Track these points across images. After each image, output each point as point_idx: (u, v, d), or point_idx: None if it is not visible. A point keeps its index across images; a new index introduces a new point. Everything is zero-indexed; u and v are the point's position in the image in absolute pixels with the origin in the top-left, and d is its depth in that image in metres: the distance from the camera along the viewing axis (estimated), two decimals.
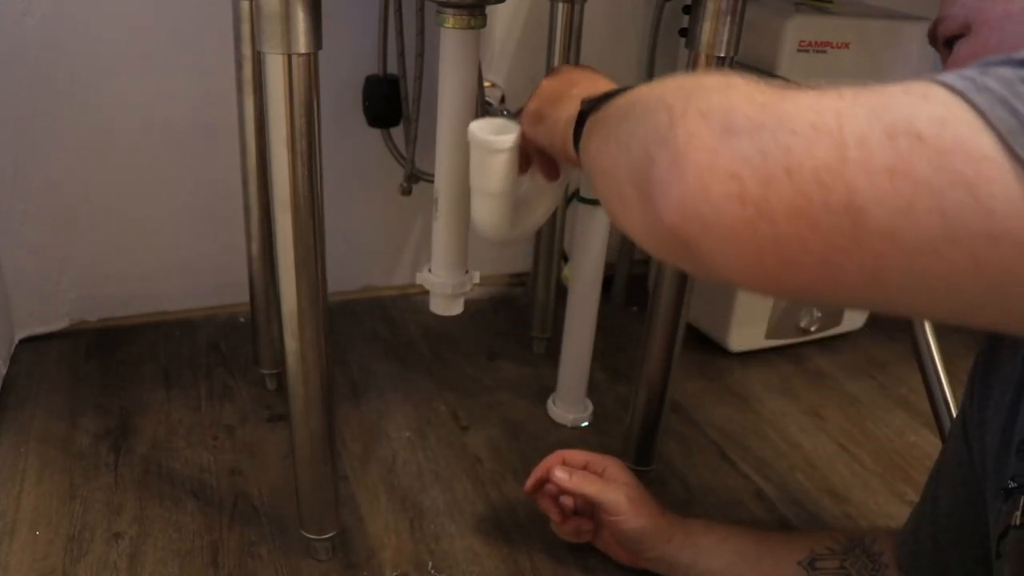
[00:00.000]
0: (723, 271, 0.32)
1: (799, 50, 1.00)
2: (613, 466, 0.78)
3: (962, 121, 0.28)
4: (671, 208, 0.32)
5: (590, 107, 0.48)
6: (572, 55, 1.00)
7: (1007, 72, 0.29)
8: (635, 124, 0.36)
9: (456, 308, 0.88)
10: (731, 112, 0.31)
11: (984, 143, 0.27)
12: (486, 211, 0.74)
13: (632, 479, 0.77)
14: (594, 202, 0.89)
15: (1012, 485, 0.50)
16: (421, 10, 1.03)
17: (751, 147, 0.30)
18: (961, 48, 0.47)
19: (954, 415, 0.80)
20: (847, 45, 1.02)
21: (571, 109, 0.52)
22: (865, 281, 0.30)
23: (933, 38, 0.51)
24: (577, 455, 0.79)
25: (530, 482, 0.79)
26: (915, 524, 0.67)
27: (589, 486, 0.75)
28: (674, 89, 0.36)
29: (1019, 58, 0.29)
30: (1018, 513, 0.49)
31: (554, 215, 1.09)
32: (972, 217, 0.27)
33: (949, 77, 0.30)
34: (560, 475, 0.76)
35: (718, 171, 0.30)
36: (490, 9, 0.77)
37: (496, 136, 0.69)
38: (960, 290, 0.29)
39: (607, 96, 0.47)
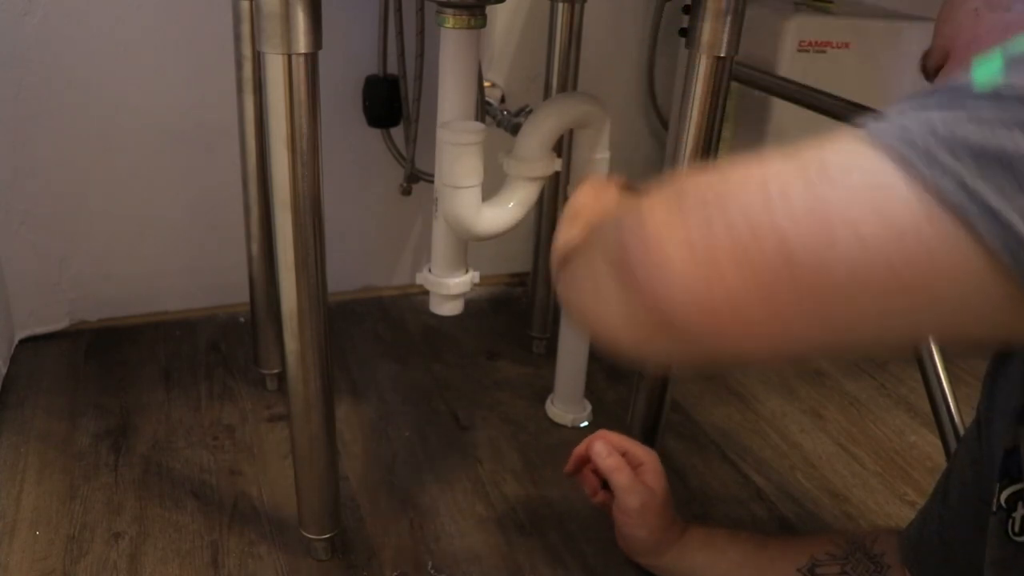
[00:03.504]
0: (689, 328, 0.34)
1: (799, 50, 1.00)
2: (650, 462, 0.78)
3: (864, 156, 0.31)
4: (634, 289, 0.35)
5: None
6: (572, 55, 1.00)
7: (930, 100, 0.32)
8: (606, 228, 0.40)
9: (456, 308, 0.88)
10: (681, 195, 0.35)
11: (885, 174, 0.31)
12: (457, 205, 0.79)
13: (659, 484, 0.77)
14: None
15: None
16: (421, 10, 1.03)
17: (700, 216, 0.34)
18: (939, 79, 0.49)
19: (954, 415, 0.81)
20: (847, 45, 1.02)
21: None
22: (808, 319, 0.33)
23: (924, 71, 0.53)
24: (620, 440, 0.79)
25: (571, 464, 0.81)
26: (922, 520, 0.67)
27: (616, 475, 0.76)
28: (644, 195, 0.39)
29: (947, 90, 0.31)
30: (994, 499, 0.51)
31: (553, 216, 1.09)
32: (885, 240, 0.31)
33: (870, 121, 0.33)
34: (599, 448, 0.77)
35: (673, 242, 0.34)
36: (490, 9, 0.77)
37: (461, 132, 0.76)
38: (893, 309, 0.32)
39: None
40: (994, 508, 0.51)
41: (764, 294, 0.33)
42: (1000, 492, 0.51)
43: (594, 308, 0.40)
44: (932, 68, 0.51)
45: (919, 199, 0.30)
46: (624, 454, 0.79)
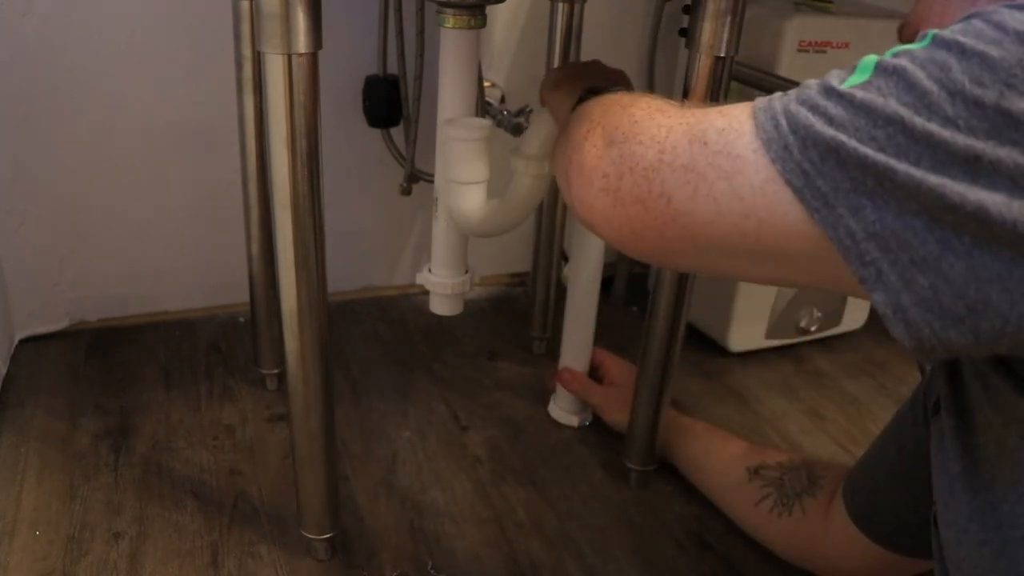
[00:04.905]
0: (606, 235, 0.46)
1: (799, 50, 1.00)
2: (614, 366, 1.01)
3: (736, 130, 0.40)
4: (574, 195, 0.48)
5: (583, 98, 0.59)
6: (572, 55, 1.00)
7: (808, 93, 0.39)
8: (575, 126, 0.51)
9: (456, 308, 0.88)
10: (615, 129, 0.46)
11: (743, 147, 0.39)
12: (463, 200, 0.79)
13: (627, 378, 0.94)
14: None
15: None
16: (421, 10, 1.03)
17: (617, 154, 0.44)
18: None
19: None
20: (847, 45, 1.02)
21: (575, 92, 0.62)
22: (688, 248, 0.42)
23: (900, 40, 0.55)
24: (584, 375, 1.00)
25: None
26: (863, 464, 0.75)
27: (589, 399, 1.00)
28: (607, 105, 0.51)
29: (827, 84, 0.38)
30: None
31: (553, 216, 1.09)
32: (730, 199, 0.39)
33: (758, 99, 0.41)
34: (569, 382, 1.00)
35: (597, 172, 0.45)
36: (490, 9, 0.77)
37: (468, 128, 0.77)
38: (742, 251, 0.40)
39: (596, 91, 0.59)
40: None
41: (654, 225, 0.42)
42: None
43: (563, 189, 0.53)
44: (905, 40, 0.52)
45: (766, 175, 0.38)
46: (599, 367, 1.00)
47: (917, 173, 0.34)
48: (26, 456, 0.89)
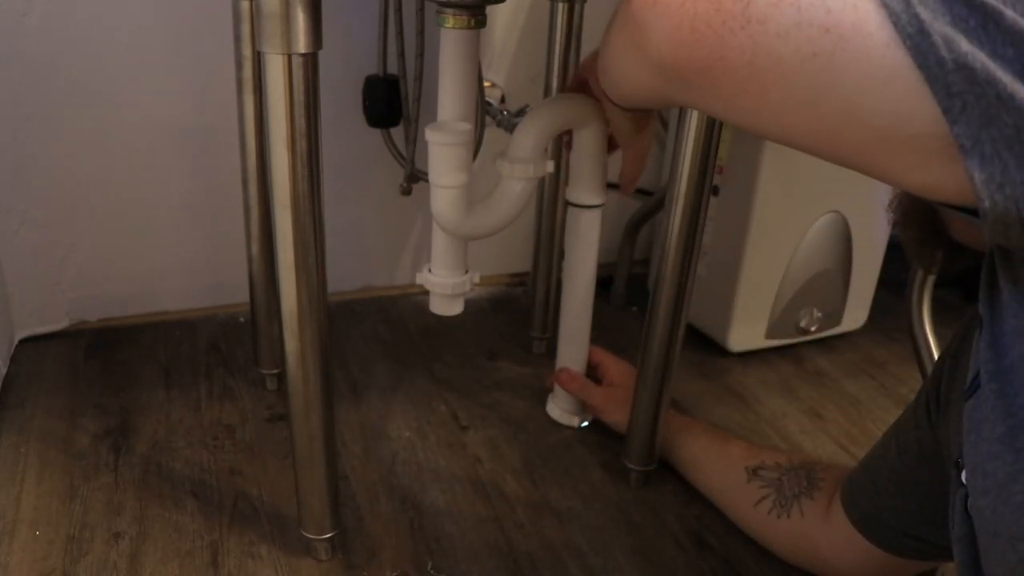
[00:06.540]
0: (656, 40, 0.44)
1: None
2: (612, 366, 1.00)
3: None
4: (639, 2, 0.45)
5: None
6: (572, 55, 1.00)
7: None
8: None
9: (456, 308, 0.88)
10: None
11: None
12: (441, 203, 0.80)
13: (626, 379, 0.96)
14: (581, 206, 0.90)
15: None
16: (421, 10, 1.03)
17: None
18: None
19: None
20: None
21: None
22: (742, 65, 0.40)
23: None
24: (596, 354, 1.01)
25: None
26: (864, 466, 0.75)
27: (588, 400, 0.99)
28: None
29: None
30: (954, 477, 0.55)
31: (553, 216, 1.09)
32: (816, 9, 0.38)
33: None
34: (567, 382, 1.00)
35: None
36: (490, 9, 0.77)
37: (446, 131, 0.77)
38: (803, 74, 0.39)
39: None
40: (956, 485, 0.53)
41: (718, 28, 0.41)
42: (961, 471, 0.52)
43: (612, 48, 0.54)
44: None
45: None
46: (596, 367, 1.00)
47: (1022, 21, 0.35)
48: (26, 456, 0.89)
